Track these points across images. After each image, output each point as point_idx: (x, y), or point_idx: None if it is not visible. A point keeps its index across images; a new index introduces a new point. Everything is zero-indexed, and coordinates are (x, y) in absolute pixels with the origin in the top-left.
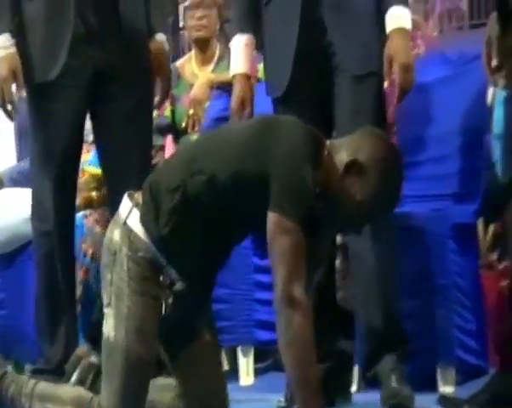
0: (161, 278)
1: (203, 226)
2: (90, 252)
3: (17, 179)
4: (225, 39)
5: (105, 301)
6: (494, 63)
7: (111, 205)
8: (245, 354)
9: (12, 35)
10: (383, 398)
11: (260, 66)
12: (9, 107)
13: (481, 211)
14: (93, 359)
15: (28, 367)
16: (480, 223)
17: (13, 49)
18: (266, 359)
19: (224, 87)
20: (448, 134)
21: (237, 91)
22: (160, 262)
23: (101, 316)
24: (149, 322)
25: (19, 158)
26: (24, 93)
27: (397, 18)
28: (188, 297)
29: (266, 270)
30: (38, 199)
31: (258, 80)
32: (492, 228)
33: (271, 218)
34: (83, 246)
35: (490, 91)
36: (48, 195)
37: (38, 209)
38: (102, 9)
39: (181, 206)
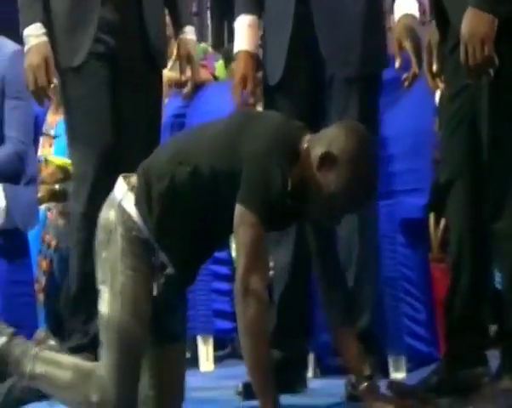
0: (153, 259)
1: (191, 216)
2: (53, 243)
3: None
4: None
5: (100, 278)
6: (435, 68)
7: None
8: (204, 343)
9: (43, 25)
10: None
11: (217, 64)
12: (41, 93)
13: (432, 206)
14: (52, 342)
15: None
16: (431, 218)
17: (44, 38)
18: (225, 347)
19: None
20: (398, 134)
21: (240, 68)
22: (152, 244)
23: (64, 308)
24: (142, 298)
25: None
26: (55, 80)
27: (405, 6)
28: (174, 284)
29: (224, 262)
30: (79, 183)
31: (215, 78)
32: (442, 222)
33: (236, 210)
34: (46, 238)
35: (437, 93)
36: (88, 179)
37: (79, 192)
38: (126, 5)
39: (169, 194)
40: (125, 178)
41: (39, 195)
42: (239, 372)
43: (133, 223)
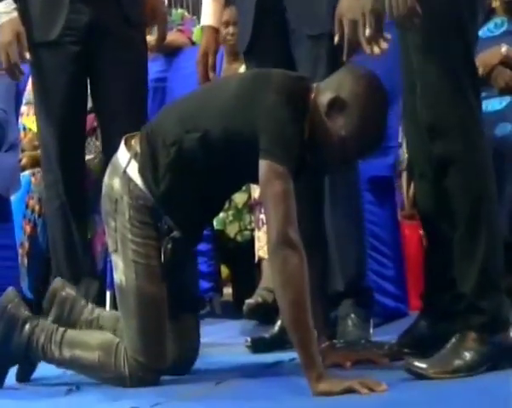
0: (159, 225)
1: (198, 180)
2: (37, 208)
3: None
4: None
5: (112, 247)
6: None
7: (106, 150)
8: None
9: (13, 0)
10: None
11: (195, 30)
12: (15, 69)
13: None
14: (69, 290)
15: None
16: (403, 176)
17: (15, 14)
18: (203, 307)
19: (160, 50)
20: None
21: (203, 42)
22: (158, 210)
23: (48, 271)
24: (155, 262)
25: None
26: (28, 56)
27: None
28: (182, 246)
29: None
30: (47, 154)
31: (193, 43)
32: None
33: (263, 165)
34: (30, 203)
35: None
36: (54, 151)
37: (47, 163)
38: None
39: (177, 162)
40: (126, 141)
41: (22, 162)
42: (214, 330)
43: (140, 191)
